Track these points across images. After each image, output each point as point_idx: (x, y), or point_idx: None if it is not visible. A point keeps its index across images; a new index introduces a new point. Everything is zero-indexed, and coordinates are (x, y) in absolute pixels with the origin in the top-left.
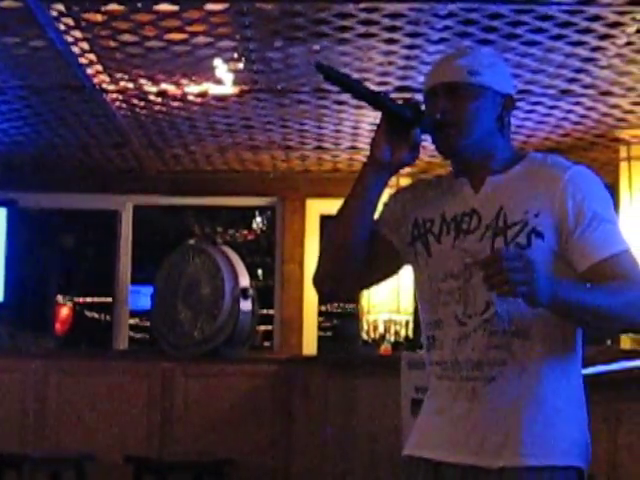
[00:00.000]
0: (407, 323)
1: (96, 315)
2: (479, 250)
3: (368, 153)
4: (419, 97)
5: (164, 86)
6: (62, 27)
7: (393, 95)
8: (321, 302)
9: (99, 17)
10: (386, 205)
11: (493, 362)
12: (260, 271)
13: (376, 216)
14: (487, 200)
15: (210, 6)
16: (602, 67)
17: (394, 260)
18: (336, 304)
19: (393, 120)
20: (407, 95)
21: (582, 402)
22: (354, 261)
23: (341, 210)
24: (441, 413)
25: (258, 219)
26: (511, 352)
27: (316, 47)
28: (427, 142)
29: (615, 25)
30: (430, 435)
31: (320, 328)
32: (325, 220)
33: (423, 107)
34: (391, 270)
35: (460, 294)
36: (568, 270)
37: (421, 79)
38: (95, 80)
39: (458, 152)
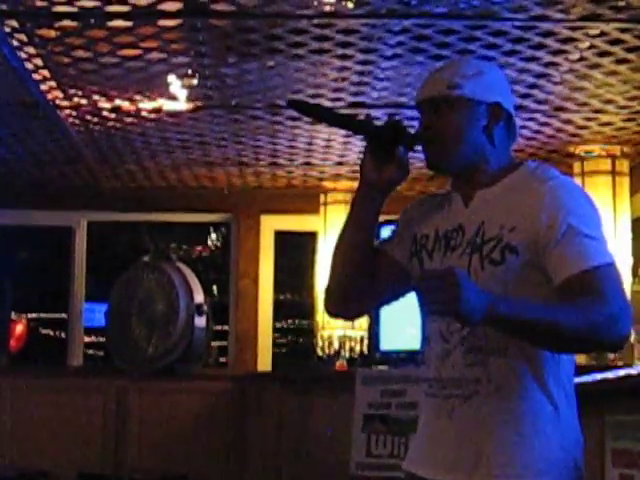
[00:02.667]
0: (362, 339)
1: (51, 332)
2: (460, 267)
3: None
4: (374, 112)
5: (118, 102)
6: (15, 43)
7: (348, 111)
8: (276, 318)
9: (52, 33)
10: (395, 223)
11: (469, 380)
12: (215, 287)
13: (384, 239)
14: (472, 215)
15: (164, 22)
16: (555, 83)
17: (404, 281)
18: (290, 320)
19: (375, 141)
20: (361, 111)
21: (569, 421)
22: (360, 283)
23: (340, 235)
24: (425, 430)
25: (213, 235)
26: (487, 370)
27: (270, 63)
28: None
29: (568, 41)
30: (417, 451)
31: (275, 344)
32: (279, 236)
33: (404, 124)
34: (402, 289)
35: None
36: (549, 285)
37: (374, 95)
38: (49, 96)
39: (444, 167)
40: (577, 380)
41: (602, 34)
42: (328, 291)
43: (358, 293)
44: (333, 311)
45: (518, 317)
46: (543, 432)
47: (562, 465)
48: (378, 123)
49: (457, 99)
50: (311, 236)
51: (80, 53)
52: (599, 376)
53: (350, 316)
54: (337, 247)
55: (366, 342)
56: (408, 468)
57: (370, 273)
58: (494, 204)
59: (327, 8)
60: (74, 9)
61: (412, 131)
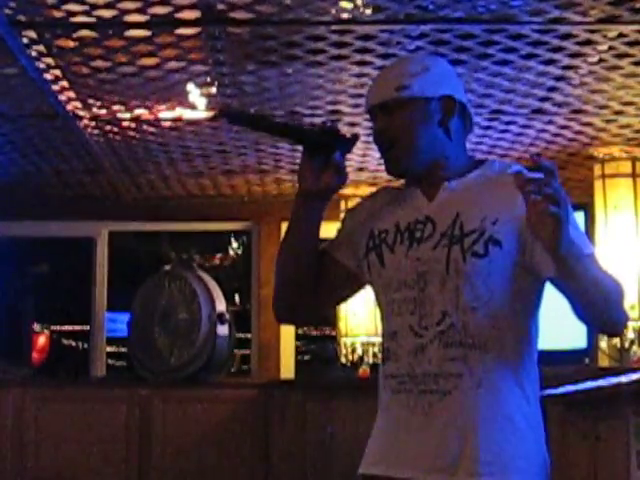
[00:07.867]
0: None
1: (73, 343)
2: (433, 259)
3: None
4: None
5: (137, 112)
6: (34, 54)
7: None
8: (298, 326)
9: (71, 43)
10: (340, 228)
11: (449, 375)
12: (237, 295)
13: (330, 241)
14: (442, 207)
15: (182, 31)
16: (574, 85)
17: (351, 283)
18: (313, 327)
19: (313, 148)
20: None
21: (539, 419)
22: (305, 291)
23: (282, 244)
24: (398, 428)
25: (234, 243)
26: (467, 365)
27: (289, 70)
28: None
29: (587, 43)
30: (387, 451)
31: (298, 352)
32: None
33: (338, 129)
34: (349, 293)
35: (415, 304)
36: (529, 279)
37: None
38: (68, 107)
39: (404, 170)
40: (602, 383)
41: (621, 36)
42: (276, 300)
43: (307, 301)
44: (285, 319)
45: (577, 262)
46: (521, 429)
47: (539, 462)
48: (314, 129)
49: (407, 100)
50: None
51: (99, 63)
52: (624, 378)
53: (300, 322)
54: (280, 256)
55: None
56: (369, 471)
57: (316, 278)
58: (467, 196)
59: (345, 14)
60: (92, 19)
61: (348, 135)
